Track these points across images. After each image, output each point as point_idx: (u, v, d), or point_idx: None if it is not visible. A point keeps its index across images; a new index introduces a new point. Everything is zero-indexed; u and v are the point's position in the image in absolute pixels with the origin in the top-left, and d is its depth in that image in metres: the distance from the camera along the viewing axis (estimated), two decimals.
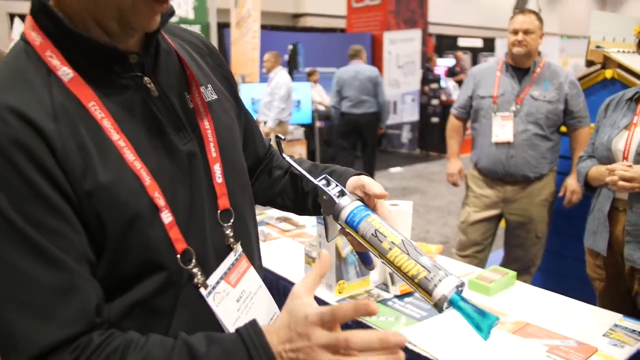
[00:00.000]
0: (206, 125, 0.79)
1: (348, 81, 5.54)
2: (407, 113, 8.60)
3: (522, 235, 2.75)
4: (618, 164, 1.67)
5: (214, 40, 7.88)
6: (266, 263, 1.93)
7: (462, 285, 0.69)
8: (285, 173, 0.99)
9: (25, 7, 0.71)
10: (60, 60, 0.66)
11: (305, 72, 8.15)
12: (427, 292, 0.69)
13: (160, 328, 0.68)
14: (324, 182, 0.83)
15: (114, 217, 0.64)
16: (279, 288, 1.85)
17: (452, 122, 2.99)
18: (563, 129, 2.67)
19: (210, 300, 0.74)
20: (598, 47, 2.71)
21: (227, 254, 0.78)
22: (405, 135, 8.87)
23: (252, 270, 0.83)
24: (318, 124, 7.49)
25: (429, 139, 8.75)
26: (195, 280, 0.72)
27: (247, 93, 6.73)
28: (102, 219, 0.64)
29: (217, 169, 0.78)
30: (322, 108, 7.69)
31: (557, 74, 2.61)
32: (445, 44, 13.97)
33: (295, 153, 6.55)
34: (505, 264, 2.82)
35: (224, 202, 0.79)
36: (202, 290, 0.73)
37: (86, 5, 0.65)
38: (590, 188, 2.00)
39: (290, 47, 7.98)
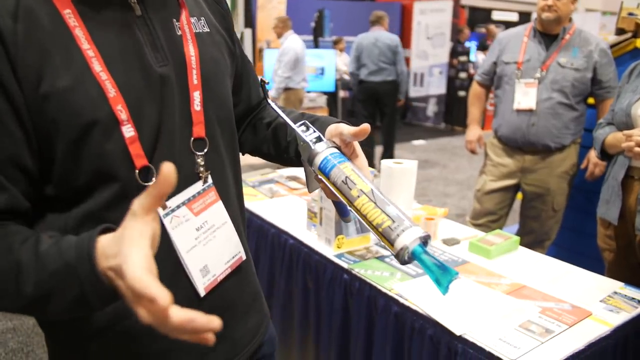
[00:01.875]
0: (191, 52, 0.78)
1: (367, 48, 5.37)
2: (433, 86, 8.44)
3: (538, 207, 2.68)
4: (636, 129, 1.59)
5: (241, 5, 7.81)
6: (272, 218, 1.94)
7: (427, 237, 0.66)
8: (272, 122, 0.98)
9: None
10: None
11: (332, 40, 8.03)
12: (390, 242, 0.66)
13: None
14: (303, 128, 0.80)
15: (68, 122, 0.64)
16: (280, 242, 1.85)
17: (475, 89, 2.91)
18: (591, 100, 2.56)
19: (166, 222, 0.73)
20: (630, 14, 2.57)
21: (195, 182, 0.78)
22: (431, 108, 8.72)
23: (219, 204, 0.81)
24: (342, 93, 7.39)
25: (455, 113, 8.57)
26: None
27: (271, 59, 6.67)
28: (56, 123, 0.64)
29: (196, 96, 0.77)
30: (347, 77, 7.59)
31: (587, 41, 2.49)
32: (479, 17, 13.52)
33: None
34: (520, 235, 2.75)
35: (198, 130, 0.78)
36: (160, 210, 0.72)
37: None
38: (606, 156, 1.93)
39: (316, 13, 7.84)
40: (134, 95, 0.69)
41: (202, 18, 0.84)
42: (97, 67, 0.66)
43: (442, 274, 0.63)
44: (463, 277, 1.46)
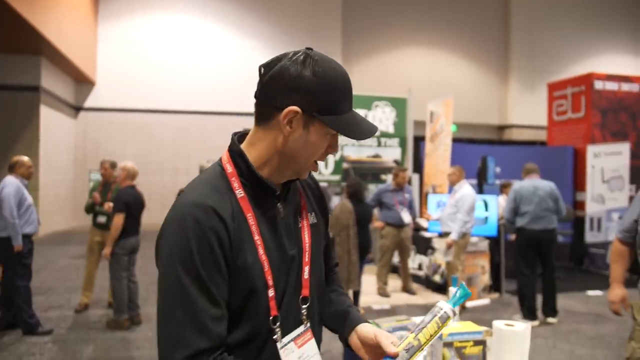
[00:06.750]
0: (306, 240, 1.20)
1: (527, 197, 5.51)
2: (613, 231, 7.80)
3: None
4: None
5: (410, 152, 8.51)
6: None
7: None
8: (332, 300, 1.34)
9: None
10: (239, 185, 1.11)
11: (495, 184, 8.13)
12: None
13: None
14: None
15: (244, 286, 1.05)
16: None
17: (616, 246, 2.83)
18: None
19: (281, 352, 1.11)
20: None
21: (299, 325, 1.16)
22: None
23: (313, 341, 1.18)
24: (513, 236, 7.25)
25: None
26: (276, 336, 1.10)
27: (435, 203, 7.06)
28: (238, 285, 1.05)
29: (306, 270, 1.18)
30: None
31: None
32: None
33: (477, 266, 6.48)
34: None
35: (305, 292, 1.17)
36: (279, 344, 1.10)
37: (280, 165, 1.12)
38: None
39: (480, 160, 8.15)
40: (277, 269, 1.10)
41: (313, 212, 1.26)
42: (261, 251, 1.09)
43: None
44: None
